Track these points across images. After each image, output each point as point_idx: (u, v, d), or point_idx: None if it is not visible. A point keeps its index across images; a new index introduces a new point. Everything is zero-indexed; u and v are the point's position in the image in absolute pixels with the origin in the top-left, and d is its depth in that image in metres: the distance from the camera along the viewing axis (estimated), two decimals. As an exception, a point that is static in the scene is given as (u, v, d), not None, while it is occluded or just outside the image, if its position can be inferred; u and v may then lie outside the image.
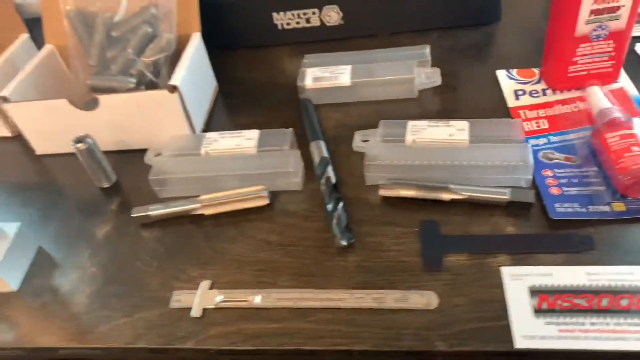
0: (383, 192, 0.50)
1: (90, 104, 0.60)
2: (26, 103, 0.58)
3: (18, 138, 0.67)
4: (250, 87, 0.69)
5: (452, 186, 0.48)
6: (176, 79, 0.56)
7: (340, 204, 0.48)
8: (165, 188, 0.55)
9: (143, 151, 0.60)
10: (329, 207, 0.49)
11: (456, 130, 0.51)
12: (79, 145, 0.53)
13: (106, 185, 0.57)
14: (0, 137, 0.67)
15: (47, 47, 0.66)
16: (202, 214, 0.52)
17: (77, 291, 0.48)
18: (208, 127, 0.63)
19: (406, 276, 0.44)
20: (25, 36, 0.69)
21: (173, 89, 0.55)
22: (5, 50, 0.67)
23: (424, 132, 0.52)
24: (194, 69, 0.60)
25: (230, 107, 0.66)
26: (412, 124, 0.53)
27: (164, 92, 0.55)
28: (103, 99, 0.56)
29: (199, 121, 0.61)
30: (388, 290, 0.43)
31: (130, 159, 0.60)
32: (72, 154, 0.62)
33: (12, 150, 0.66)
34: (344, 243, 0.46)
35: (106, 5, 0.62)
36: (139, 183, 0.58)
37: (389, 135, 0.53)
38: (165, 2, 0.60)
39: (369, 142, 0.54)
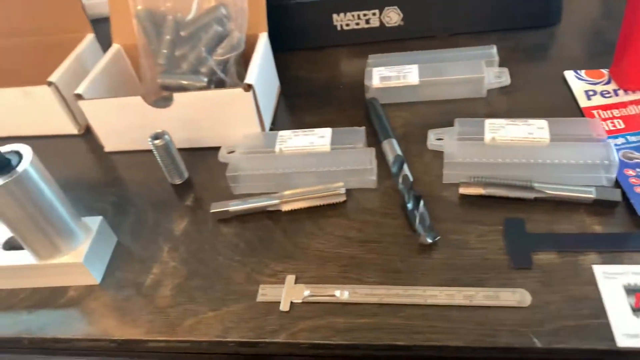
0: (463, 190, 0.50)
1: (163, 102, 0.61)
2: (100, 100, 0.59)
3: (84, 135, 0.68)
4: (312, 87, 0.69)
5: (536, 184, 0.47)
6: (251, 78, 0.56)
7: (422, 202, 0.48)
8: (239, 184, 0.55)
9: (211, 149, 0.61)
10: (409, 205, 0.49)
11: (536, 129, 0.51)
12: (157, 141, 0.54)
13: (178, 182, 0.58)
14: (68, 135, 0.68)
15: (115, 47, 0.67)
16: (278, 210, 0.53)
17: (161, 285, 0.48)
18: (274, 125, 0.64)
19: (494, 274, 0.44)
20: (91, 36, 0.71)
21: (248, 87, 0.56)
22: (74, 50, 0.68)
23: (502, 130, 0.52)
24: (264, 69, 0.61)
25: (294, 107, 0.67)
26: (489, 122, 0.53)
27: (239, 91, 0.56)
28: (177, 96, 0.57)
29: (267, 120, 0.62)
30: (478, 288, 0.43)
31: (200, 157, 0.61)
32: (140, 151, 0.63)
33: (80, 147, 0.67)
34: (430, 240, 0.46)
35: (175, 5, 0.63)
36: (209, 180, 0.58)
37: (465, 134, 0.53)
38: (235, 2, 0.61)
39: (445, 141, 0.54)
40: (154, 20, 0.63)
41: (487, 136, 0.52)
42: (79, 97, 0.59)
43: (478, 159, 0.50)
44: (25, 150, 0.44)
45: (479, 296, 0.42)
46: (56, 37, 0.71)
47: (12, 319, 0.48)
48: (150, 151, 0.62)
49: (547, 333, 0.39)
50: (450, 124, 0.58)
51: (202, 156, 0.61)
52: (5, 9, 0.70)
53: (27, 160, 0.43)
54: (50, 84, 0.62)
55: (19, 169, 0.42)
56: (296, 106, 0.67)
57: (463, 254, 0.46)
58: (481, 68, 0.60)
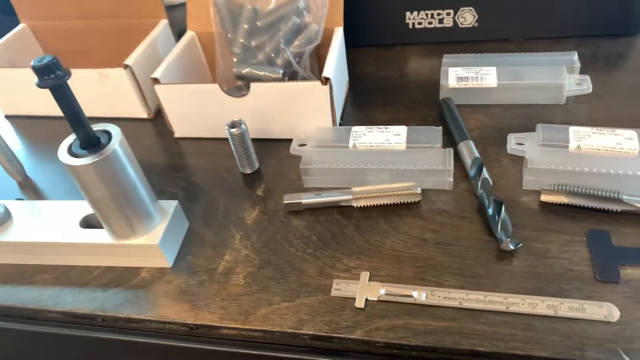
0: (545, 198, 0.48)
1: (237, 91, 0.62)
2: (176, 85, 0.60)
3: (152, 120, 0.69)
4: (381, 85, 0.68)
5: (625, 197, 0.46)
6: (328, 71, 0.56)
7: (503, 208, 0.47)
8: (310, 177, 0.55)
9: (281, 140, 0.61)
10: (490, 210, 0.48)
11: (624, 139, 0.49)
12: (234, 130, 0.54)
13: (249, 171, 0.58)
14: (137, 118, 0.69)
15: (189, 34, 0.67)
16: (350, 206, 0.52)
17: (233, 272, 0.48)
18: (343, 121, 0.63)
19: (579, 285, 0.43)
20: (164, 22, 0.72)
21: (326, 80, 0.55)
22: (149, 35, 0.69)
23: (588, 139, 0.50)
24: (338, 64, 0.60)
25: (362, 103, 0.66)
26: (574, 129, 0.51)
27: (316, 84, 0.55)
28: (254, 87, 0.57)
29: (338, 114, 0.61)
30: (562, 299, 0.42)
31: (270, 147, 0.61)
32: (209, 139, 0.64)
33: (149, 131, 0.68)
34: (512, 247, 0.45)
35: (254, -5, 0.63)
36: (279, 171, 0.58)
37: (548, 140, 0.52)
38: (316, -6, 0.60)
39: (527, 146, 0.53)
40: (231, 9, 0.63)
41: (572, 144, 0.50)
42: (156, 81, 0.59)
43: (562, 167, 0.49)
44: (115, 130, 0.44)
45: (564, 307, 0.41)
46: (130, 21, 0.73)
47: (87, 295, 0.49)
48: (220, 139, 0.63)
49: (638, 351, 0.38)
50: (527, 129, 0.57)
51: (272, 147, 0.61)
52: (84, -9, 0.72)
53: (117, 140, 0.44)
54: (126, 66, 0.63)
55: (109, 148, 0.43)
56: (365, 103, 0.66)
57: (545, 262, 0.45)
58: (562, 74, 0.59)
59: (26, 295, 0.50)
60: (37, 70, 0.38)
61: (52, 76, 0.38)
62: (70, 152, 0.43)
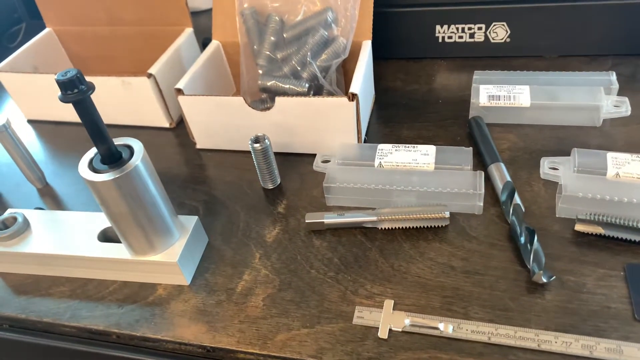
0: (580, 228, 0.46)
1: (261, 104, 0.60)
2: (200, 97, 0.58)
3: (174, 129, 0.68)
4: (408, 99, 0.66)
5: (667, 230, 0.43)
6: (355, 87, 0.54)
7: (536, 237, 0.45)
8: (333, 196, 0.53)
9: (304, 155, 0.60)
10: (522, 239, 0.45)
11: (667, 169, 0.47)
12: (257, 145, 0.53)
13: (270, 186, 0.57)
14: (159, 127, 0.68)
15: (214, 43, 0.66)
16: (374, 228, 0.50)
17: (252, 293, 0.47)
18: (368, 137, 0.62)
19: (616, 324, 0.40)
20: (189, 30, 0.71)
21: (352, 97, 0.54)
22: (173, 43, 0.68)
23: (627, 166, 0.48)
24: (366, 78, 0.59)
25: (388, 119, 0.64)
26: (612, 156, 0.49)
27: (343, 100, 0.54)
28: (278, 100, 0.56)
29: (364, 130, 0.60)
30: (598, 338, 0.39)
31: (292, 162, 0.59)
32: (231, 151, 0.63)
33: (171, 141, 0.67)
34: (545, 280, 0.43)
35: (281, 6, 0.62)
36: (301, 187, 0.57)
37: (584, 166, 0.49)
38: (346, 7, 0.59)
39: (561, 171, 0.50)
40: (258, 20, 0.62)
41: (610, 171, 0.48)
42: (179, 92, 0.58)
43: (599, 195, 0.46)
44: (137, 145, 0.43)
45: (600, 348, 0.39)
46: (156, 28, 0.72)
47: (103, 311, 0.48)
48: (241, 152, 0.62)
49: (682, 401, 0.36)
50: (561, 152, 0.55)
51: (294, 162, 0.59)
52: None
53: (139, 155, 0.42)
54: (149, 75, 0.63)
55: (131, 163, 0.42)
56: (391, 118, 0.64)
57: (580, 297, 0.42)
58: (599, 95, 0.56)
59: (42, 307, 0.49)
60: (61, 85, 0.37)
61: (76, 91, 0.37)
62: (91, 166, 0.42)
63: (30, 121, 0.75)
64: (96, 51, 0.78)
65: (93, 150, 0.43)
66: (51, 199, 0.62)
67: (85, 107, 0.39)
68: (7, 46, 0.93)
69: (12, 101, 0.79)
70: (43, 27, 0.78)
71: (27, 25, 0.94)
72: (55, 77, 0.37)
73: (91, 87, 0.38)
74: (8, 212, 0.53)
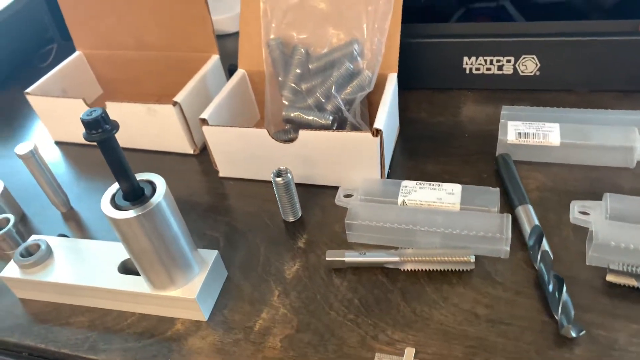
0: (612, 278, 0.44)
1: (284, 135, 0.60)
2: (224, 128, 0.58)
3: (197, 156, 0.68)
4: (434, 132, 0.65)
5: None
6: (379, 122, 0.54)
7: (564, 287, 0.43)
8: (355, 233, 0.52)
9: (326, 187, 0.59)
10: (550, 287, 0.44)
11: None
12: (279, 179, 0.52)
13: (292, 219, 0.56)
14: (183, 153, 0.69)
15: (240, 72, 0.66)
16: (396, 268, 0.49)
17: (270, 333, 0.46)
18: (392, 169, 0.61)
19: (650, 386, 0.38)
20: (216, 57, 0.71)
21: (377, 132, 0.53)
22: (199, 71, 0.68)
23: (663, 215, 0.46)
24: (390, 112, 0.58)
25: (413, 152, 0.63)
26: (647, 203, 0.47)
27: (366, 135, 0.53)
28: (302, 133, 0.55)
29: (387, 164, 0.59)
30: (630, 400, 0.38)
31: (314, 194, 0.59)
32: (254, 181, 0.62)
33: (193, 168, 0.67)
34: (574, 335, 0.41)
35: (308, 37, 0.61)
36: (322, 221, 0.56)
37: (617, 212, 0.47)
38: (372, 40, 0.58)
39: (592, 217, 0.49)
40: (284, 51, 0.62)
41: (645, 219, 0.46)
42: (204, 122, 0.58)
43: (633, 245, 0.44)
44: (159, 181, 0.43)
45: (632, 412, 0.37)
46: (183, 54, 0.73)
47: (121, 344, 0.48)
48: (264, 182, 0.62)
49: None
50: (592, 194, 0.53)
51: (316, 194, 0.59)
52: (141, 24, 0.72)
53: (161, 192, 0.42)
54: (175, 103, 0.63)
55: (153, 201, 0.42)
56: (415, 152, 0.63)
57: (612, 355, 0.40)
58: (633, 136, 0.54)
59: (61, 337, 0.49)
60: (86, 124, 0.37)
61: (100, 130, 0.37)
62: (114, 203, 0.42)
63: (57, 142, 0.76)
64: (124, 74, 0.79)
65: (115, 186, 0.43)
66: (75, 224, 0.62)
67: (109, 146, 0.39)
68: (39, 66, 0.95)
69: (40, 122, 0.80)
70: (74, 48, 0.79)
71: (59, 46, 0.95)
72: (81, 116, 0.37)
73: (115, 127, 0.38)
74: (32, 239, 0.54)
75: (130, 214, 0.41)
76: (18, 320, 0.52)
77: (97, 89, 0.82)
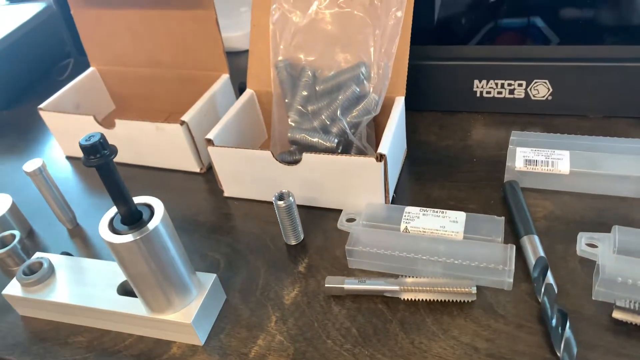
0: (618, 315, 0.43)
1: (289, 156, 0.60)
2: (230, 149, 0.58)
3: (204, 175, 0.69)
4: (441, 156, 0.64)
5: None
6: (384, 147, 0.53)
7: (568, 323, 0.42)
8: (356, 259, 0.52)
9: (328, 210, 0.59)
10: (553, 322, 0.43)
11: None
12: (280, 202, 0.52)
13: (293, 242, 0.56)
14: (189, 171, 0.69)
15: (248, 92, 0.67)
16: (396, 297, 0.49)
17: (265, 360, 0.46)
18: (397, 193, 0.60)
19: None
20: (225, 76, 0.71)
21: (381, 157, 0.52)
22: (209, 89, 0.69)
23: (674, 251, 0.44)
24: (396, 136, 0.57)
25: (419, 176, 0.62)
26: (657, 237, 0.46)
27: (370, 160, 0.53)
28: (306, 156, 0.55)
29: (391, 188, 0.58)
30: None
31: (316, 217, 0.58)
32: (258, 201, 0.62)
33: (200, 187, 0.67)
34: (576, 375, 0.40)
35: (316, 60, 0.61)
36: (324, 245, 0.55)
37: (627, 247, 0.46)
38: (379, 65, 0.58)
39: (600, 250, 0.47)
40: (291, 73, 0.62)
41: (655, 255, 0.45)
42: (210, 142, 0.59)
43: (641, 282, 0.43)
44: (157, 204, 0.43)
45: None
46: (194, 72, 0.73)
47: (117, 365, 0.48)
48: (268, 203, 0.61)
49: None
50: (601, 225, 0.52)
51: (319, 217, 0.58)
52: (154, 42, 0.73)
53: (159, 216, 0.42)
54: (182, 123, 0.63)
55: (150, 225, 0.42)
56: (422, 175, 0.62)
57: (615, 397, 0.39)
58: (646, 165, 0.53)
59: (59, 356, 0.50)
60: (84, 149, 0.37)
61: (98, 156, 0.38)
62: (111, 227, 0.42)
63: (68, 157, 0.77)
64: (136, 90, 0.80)
65: (113, 210, 0.43)
66: (80, 240, 0.63)
67: (107, 171, 0.39)
68: (56, 79, 0.97)
69: (52, 137, 0.81)
70: (89, 63, 0.81)
71: (75, 60, 0.97)
72: (80, 141, 0.37)
73: (114, 152, 0.38)
74: (35, 257, 0.54)
75: (128, 238, 0.41)
76: (18, 338, 0.52)
77: (110, 104, 0.83)
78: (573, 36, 0.63)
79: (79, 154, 0.75)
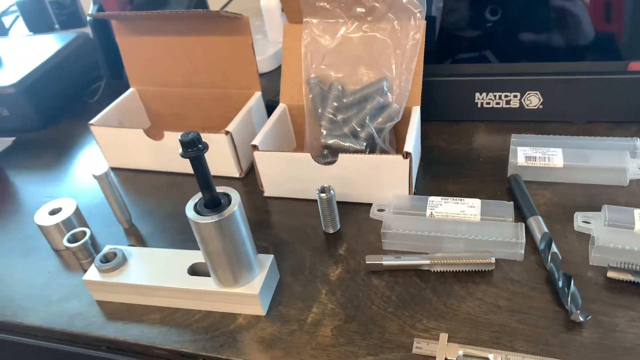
0: (612, 275, 0.53)
1: (323, 159, 0.69)
2: (272, 153, 0.68)
3: (243, 179, 0.77)
4: (451, 158, 0.75)
5: (690, 279, 0.49)
6: (409, 147, 0.63)
7: (572, 281, 0.51)
8: (389, 241, 0.61)
9: (360, 204, 0.68)
10: (560, 283, 0.52)
11: (688, 225, 0.53)
12: (323, 195, 0.61)
13: (331, 231, 0.65)
14: (230, 177, 0.78)
15: (281, 106, 0.76)
16: (427, 270, 0.58)
17: (321, 324, 0.54)
18: (417, 189, 0.70)
19: (647, 360, 0.46)
20: (258, 94, 0.81)
21: (407, 155, 0.62)
22: (245, 105, 0.78)
23: (653, 222, 0.55)
24: (416, 139, 0.67)
25: (435, 174, 0.72)
26: (638, 212, 0.56)
27: (398, 158, 0.62)
28: (341, 157, 0.64)
29: (414, 184, 0.68)
30: (631, 371, 0.45)
31: (350, 210, 0.67)
32: (295, 199, 0.71)
33: (240, 189, 0.75)
34: (582, 319, 0.49)
35: (344, 76, 0.71)
36: (358, 233, 0.64)
37: (614, 221, 0.56)
38: (400, 79, 0.68)
39: (592, 225, 0.57)
40: (322, 88, 0.71)
41: (638, 226, 0.55)
42: (255, 147, 0.68)
43: (629, 247, 0.53)
44: (234, 194, 0.52)
45: (633, 380, 0.45)
46: (228, 91, 0.82)
47: (190, 336, 0.55)
48: (304, 200, 0.70)
49: None
50: (592, 208, 0.62)
51: (352, 210, 0.67)
52: (192, 65, 0.82)
53: (236, 203, 0.51)
54: (227, 132, 0.72)
55: (229, 209, 0.50)
56: (437, 173, 0.72)
57: (614, 336, 0.48)
58: (625, 159, 0.64)
59: (136, 332, 0.57)
60: (183, 143, 0.46)
61: (195, 149, 0.46)
62: (196, 209, 0.51)
63: (112, 168, 0.85)
64: (172, 109, 0.89)
65: (197, 196, 0.52)
66: (136, 238, 0.70)
67: (199, 162, 0.48)
68: (88, 101, 1.05)
69: (94, 150, 0.90)
70: (121, 85, 0.89)
71: (106, 83, 1.06)
72: (179, 137, 0.46)
73: (206, 147, 0.47)
74: (107, 248, 0.62)
75: (210, 219, 0.50)
76: (96, 317, 0.59)
77: (146, 122, 0.92)
78: (560, 54, 0.74)
79: (123, 165, 0.84)
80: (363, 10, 0.70)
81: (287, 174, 0.69)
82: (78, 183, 0.83)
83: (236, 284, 0.55)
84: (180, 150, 0.47)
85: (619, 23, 0.72)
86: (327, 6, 0.71)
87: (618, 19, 0.72)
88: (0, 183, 0.86)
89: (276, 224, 0.68)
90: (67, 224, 0.69)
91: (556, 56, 0.75)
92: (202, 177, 0.49)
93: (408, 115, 0.70)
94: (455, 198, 0.62)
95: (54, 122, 1.02)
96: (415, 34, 0.67)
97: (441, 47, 0.79)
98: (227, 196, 0.52)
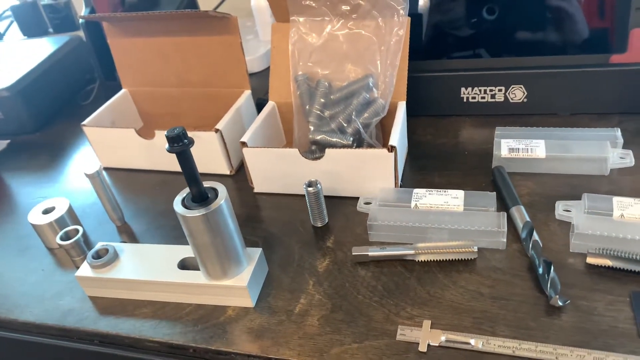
0: (591, 260, 0.54)
1: (311, 154, 0.70)
2: (261, 149, 0.69)
3: (233, 176, 0.79)
4: (438, 151, 0.76)
5: (666, 263, 0.51)
6: (394, 140, 0.64)
7: (552, 268, 0.53)
8: (375, 233, 0.62)
9: (348, 198, 0.69)
10: (540, 269, 0.53)
11: (665, 211, 0.55)
12: (310, 188, 0.63)
13: (320, 225, 0.66)
14: (220, 174, 0.79)
15: (270, 104, 0.77)
16: (412, 260, 0.59)
17: (308, 314, 0.55)
18: (403, 182, 0.71)
19: (623, 341, 0.47)
20: (248, 92, 0.82)
21: (392, 148, 0.63)
22: (234, 103, 0.79)
23: (630, 208, 0.56)
24: (401, 133, 0.69)
25: (421, 167, 0.73)
26: (617, 200, 0.57)
27: (383, 151, 0.64)
28: (328, 151, 0.66)
29: (399, 177, 0.69)
30: (607, 352, 0.46)
31: (337, 204, 0.69)
32: (284, 195, 0.72)
33: (230, 186, 0.77)
34: (560, 304, 0.50)
35: (330, 73, 0.73)
36: (346, 226, 0.66)
37: (594, 208, 0.57)
38: (385, 74, 0.69)
39: (574, 213, 0.59)
40: (309, 85, 0.73)
41: (616, 213, 0.56)
42: (244, 144, 0.69)
43: (607, 233, 0.54)
44: (220, 188, 0.53)
45: (609, 360, 0.46)
46: (219, 89, 0.84)
47: (181, 329, 0.57)
48: (293, 195, 0.71)
49: (680, 404, 0.42)
50: (573, 197, 0.63)
51: (340, 204, 0.69)
52: (184, 65, 0.84)
53: (222, 197, 0.52)
54: (217, 130, 0.73)
55: (216, 203, 0.52)
56: (423, 167, 0.73)
57: (591, 319, 0.50)
58: (606, 148, 0.65)
59: (128, 326, 0.58)
60: (169, 139, 0.47)
61: (180, 144, 0.48)
62: (184, 204, 0.52)
63: (105, 168, 0.87)
64: (164, 109, 0.90)
65: (185, 191, 0.53)
66: (128, 236, 0.72)
67: (185, 157, 0.49)
68: (81, 104, 1.06)
69: (88, 151, 0.91)
70: (115, 87, 0.91)
71: (100, 85, 1.07)
72: (165, 133, 0.47)
73: (191, 142, 0.49)
74: (100, 245, 0.63)
75: (197, 212, 0.51)
76: (89, 313, 0.61)
77: (139, 122, 0.93)
78: (543, 48, 0.75)
79: (116, 164, 0.85)
80: (348, 8, 0.71)
81: (276, 170, 0.70)
82: (72, 183, 0.85)
83: (225, 277, 0.56)
84: (167, 145, 0.48)
85: (601, 17, 0.74)
86: (313, 4, 0.72)
87: (600, 13, 0.74)
88: (-5, 185, 0.88)
89: (266, 219, 0.70)
90: (60, 222, 0.70)
91: (540, 50, 0.76)
92: (189, 171, 0.50)
93: (394, 110, 0.71)
94: (439, 190, 0.64)
95: (48, 125, 1.03)
96: (398, 30, 0.68)
97: (427, 44, 0.80)
98: (214, 190, 0.53)
